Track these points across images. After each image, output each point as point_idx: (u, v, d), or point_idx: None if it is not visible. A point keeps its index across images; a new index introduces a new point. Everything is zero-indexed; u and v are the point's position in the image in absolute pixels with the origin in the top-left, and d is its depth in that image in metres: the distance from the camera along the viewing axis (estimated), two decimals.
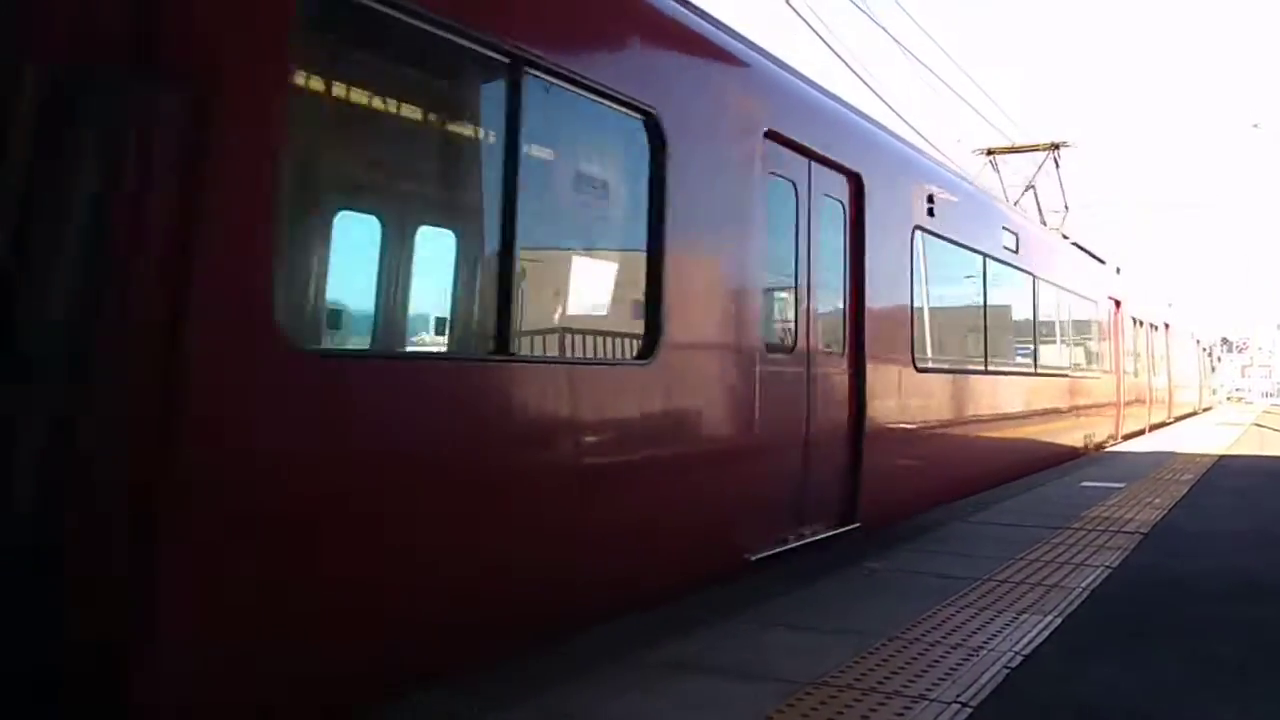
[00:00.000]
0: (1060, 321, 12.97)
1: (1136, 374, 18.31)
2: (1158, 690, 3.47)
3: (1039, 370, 11.50)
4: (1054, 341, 12.83)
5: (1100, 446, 14.48)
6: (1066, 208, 18.92)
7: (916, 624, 4.24)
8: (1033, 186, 18.40)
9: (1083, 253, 16.01)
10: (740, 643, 3.94)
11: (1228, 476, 10.71)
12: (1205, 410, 32.88)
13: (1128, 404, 16.77)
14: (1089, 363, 14.80)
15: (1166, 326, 22.96)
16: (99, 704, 2.43)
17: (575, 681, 3.40)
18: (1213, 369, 46.71)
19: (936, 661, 3.70)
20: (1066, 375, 13.05)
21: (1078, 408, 13.27)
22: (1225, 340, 60.91)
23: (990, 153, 18.46)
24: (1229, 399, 50.15)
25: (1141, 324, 19.17)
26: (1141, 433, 18.04)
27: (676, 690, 3.35)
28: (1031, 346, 11.37)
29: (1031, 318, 11.37)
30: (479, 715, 3.07)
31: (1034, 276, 11.28)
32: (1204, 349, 37.61)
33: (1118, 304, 16.64)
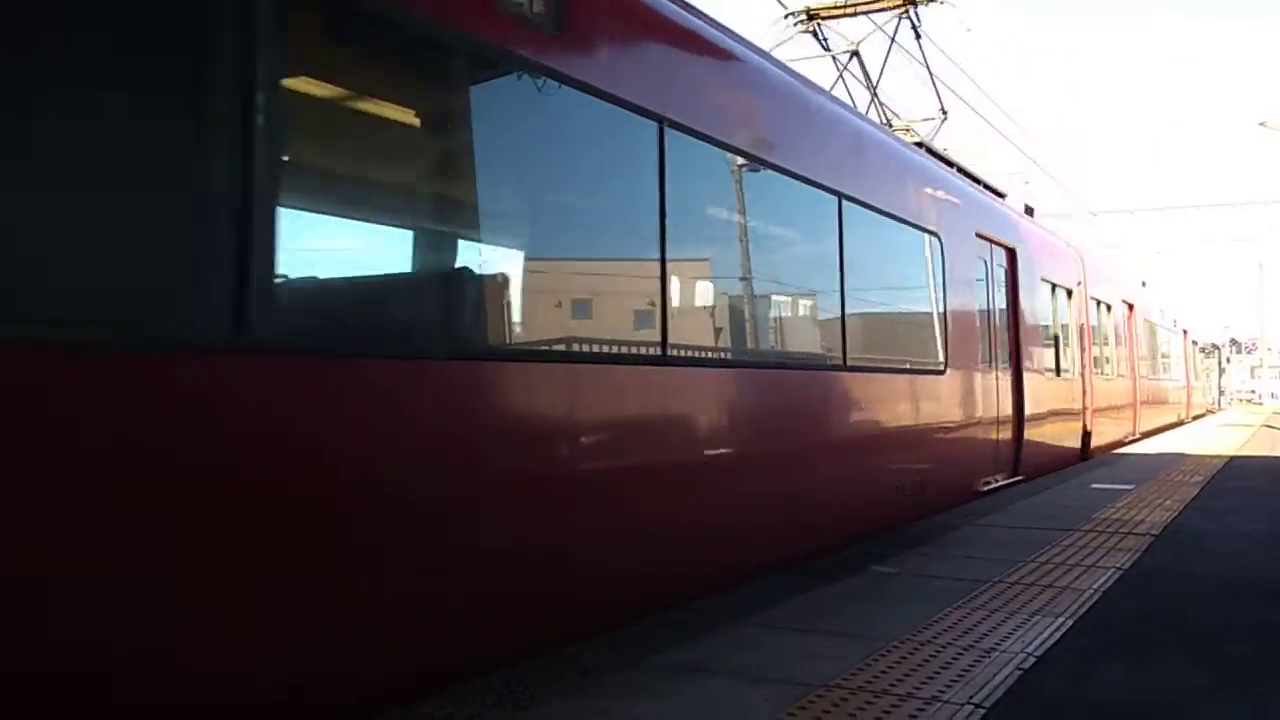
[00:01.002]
0: (845, 265, 6.38)
1: (1062, 370, 11.94)
2: (1171, 691, 3.45)
3: (731, 358, 5.57)
4: (806, 303, 6.53)
5: (955, 501, 8.01)
6: (944, 113, 11.65)
7: (928, 626, 4.23)
8: (857, 53, 11.03)
9: (931, 157, 9.11)
10: (749, 646, 3.93)
11: (1239, 478, 10.65)
12: (1197, 418, 27.55)
13: (1036, 419, 10.21)
14: (934, 350, 7.99)
15: (1130, 307, 16.85)
16: None
17: (583, 686, 3.40)
18: (1221, 370, 46.36)
19: (949, 663, 3.68)
20: (849, 370, 6.51)
21: (888, 433, 7.12)
22: (1234, 341, 60.68)
23: (811, 17, 11.11)
24: (1239, 400, 49.94)
25: (1069, 294, 12.49)
26: (1068, 464, 11.72)
27: (687, 694, 3.34)
28: (711, 308, 5.49)
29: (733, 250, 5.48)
30: (480, 718, 3.07)
31: (728, 150, 5.28)
32: (1201, 346, 32.20)
33: (1012, 254, 10.06)
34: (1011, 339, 9.88)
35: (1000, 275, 9.77)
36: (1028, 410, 9.91)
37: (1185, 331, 26.53)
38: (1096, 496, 8.77)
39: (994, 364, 9.32)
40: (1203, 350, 35.21)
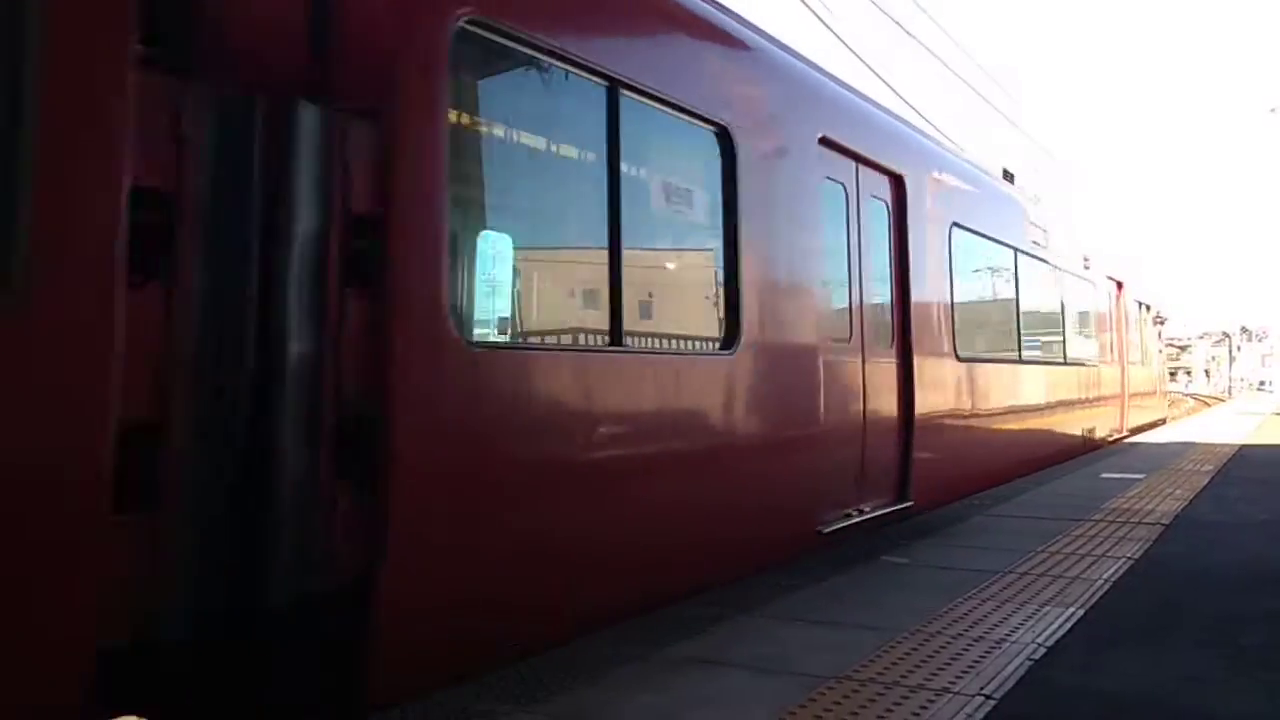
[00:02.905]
0: None
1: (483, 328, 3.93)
2: (1182, 680, 3.44)
3: None
4: None
5: None
6: None
7: (938, 617, 4.23)
8: None
9: None
10: (759, 638, 3.93)
11: (1249, 467, 10.61)
12: (1140, 429, 16.26)
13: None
14: None
15: (921, 193, 7.56)
16: None
17: (593, 679, 3.40)
18: (1232, 359, 46.14)
19: (959, 654, 3.68)
20: None
21: None
22: (1245, 329, 60.45)
23: None
24: (1250, 388, 49.81)
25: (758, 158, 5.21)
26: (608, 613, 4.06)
27: (696, 686, 3.35)
28: None
29: None
30: (493, 713, 3.08)
31: None
32: (1150, 311, 17.88)
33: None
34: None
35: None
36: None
37: (1120, 285, 15.53)
38: (1106, 486, 8.76)
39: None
40: (1161, 328, 20.44)
